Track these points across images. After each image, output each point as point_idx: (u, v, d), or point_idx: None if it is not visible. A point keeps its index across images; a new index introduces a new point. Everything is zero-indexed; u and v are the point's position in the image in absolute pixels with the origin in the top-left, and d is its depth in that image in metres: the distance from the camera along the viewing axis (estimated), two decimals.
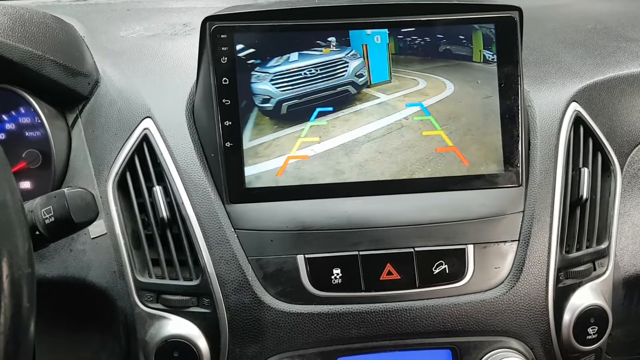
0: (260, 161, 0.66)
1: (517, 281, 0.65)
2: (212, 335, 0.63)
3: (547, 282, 0.65)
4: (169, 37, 0.85)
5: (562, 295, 0.67)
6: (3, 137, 0.75)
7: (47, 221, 0.55)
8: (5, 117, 0.75)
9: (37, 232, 0.55)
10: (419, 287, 0.64)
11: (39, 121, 0.73)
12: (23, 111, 0.75)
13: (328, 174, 0.66)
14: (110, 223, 0.68)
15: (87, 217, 0.56)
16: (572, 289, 0.67)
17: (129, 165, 0.69)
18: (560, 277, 0.66)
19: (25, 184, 0.74)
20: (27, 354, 0.43)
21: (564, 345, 0.66)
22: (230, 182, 0.65)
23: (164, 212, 0.65)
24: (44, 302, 0.73)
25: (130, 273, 0.65)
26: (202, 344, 0.63)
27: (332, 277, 0.64)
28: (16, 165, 0.73)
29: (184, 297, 0.64)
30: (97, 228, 0.70)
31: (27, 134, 0.75)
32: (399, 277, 0.64)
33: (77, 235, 0.70)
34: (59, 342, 0.74)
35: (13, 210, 0.44)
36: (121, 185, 0.69)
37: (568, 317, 0.66)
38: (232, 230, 0.65)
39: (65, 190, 0.56)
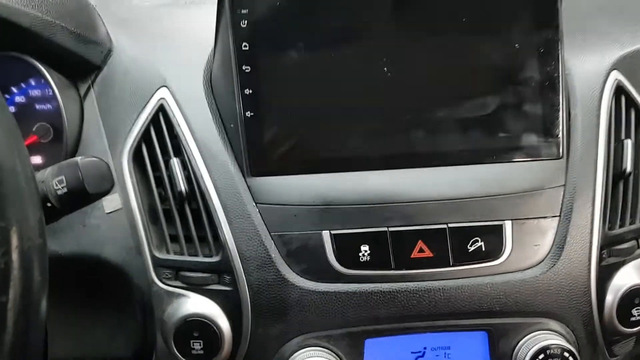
0: None
1: (558, 259, 0.61)
2: (233, 314, 0.60)
3: (589, 260, 0.61)
4: (183, 5, 0.80)
5: (605, 275, 0.62)
6: (13, 110, 0.71)
7: (59, 192, 0.52)
8: (15, 90, 0.71)
9: (49, 204, 0.52)
10: (452, 266, 0.60)
11: (50, 93, 0.70)
12: (33, 83, 0.71)
13: None
14: (125, 197, 0.64)
15: (102, 188, 0.53)
16: (615, 267, 0.63)
17: (145, 137, 0.65)
18: (603, 255, 0.62)
19: (36, 159, 0.71)
20: (39, 331, 0.40)
21: (607, 327, 0.62)
22: (251, 154, 0.62)
23: (182, 186, 0.62)
24: (56, 280, 0.70)
25: (147, 249, 0.62)
26: (224, 323, 0.60)
27: (360, 254, 0.60)
28: (27, 139, 0.70)
29: (204, 275, 0.61)
30: (111, 203, 0.67)
31: (37, 106, 0.72)
32: (431, 255, 0.60)
33: (91, 209, 0.67)
34: (73, 321, 0.72)
35: (23, 177, 0.41)
36: (137, 158, 0.65)
37: (611, 297, 0.62)
38: (254, 204, 0.61)
39: (79, 159, 0.53)
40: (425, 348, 0.62)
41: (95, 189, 0.52)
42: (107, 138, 0.68)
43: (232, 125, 0.63)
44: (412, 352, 0.62)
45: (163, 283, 0.62)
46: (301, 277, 0.60)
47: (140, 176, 0.65)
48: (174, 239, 0.63)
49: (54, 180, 0.52)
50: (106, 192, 0.53)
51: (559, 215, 0.62)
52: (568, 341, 0.59)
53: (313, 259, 0.60)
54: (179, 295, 0.61)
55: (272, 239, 0.61)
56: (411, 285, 0.60)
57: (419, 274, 0.60)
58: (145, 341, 0.66)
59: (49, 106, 0.71)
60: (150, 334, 0.64)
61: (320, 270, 0.60)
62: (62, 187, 0.52)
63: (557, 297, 0.61)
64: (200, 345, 0.60)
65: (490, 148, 0.63)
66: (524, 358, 0.59)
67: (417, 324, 0.61)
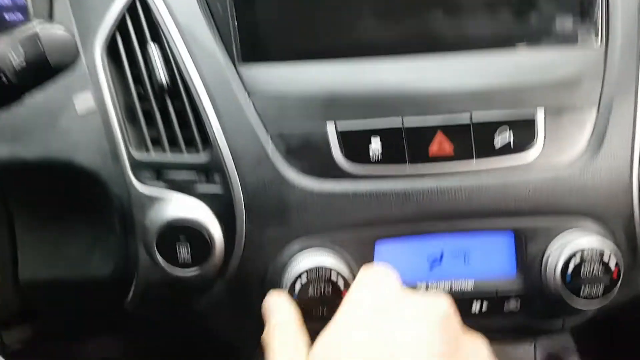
0: None
1: (596, 154, 0.54)
2: (225, 217, 0.53)
3: (631, 155, 0.54)
4: None
5: None
6: None
7: (16, 65, 0.43)
8: None
9: (4, 79, 0.44)
10: (476, 161, 0.53)
11: None
12: None
13: None
14: (99, 96, 0.57)
15: (66, 59, 0.45)
16: None
17: (120, 27, 0.57)
18: None
19: None
20: None
21: None
22: (243, 36, 0.54)
23: (162, 76, 0.54)
24: (23, 190, 0.63)
25: (124, 148, 0.54)
26: (214, 227, 0.53)
27: (370, 149, 0.53)
28: None
29: (190, 174, 0.53)
30: (84, 103, 0.59)
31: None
32: (452, 150, 0.53)
33: (61, 111, 0.59)
34: (44, 238, 0.64)
35: None
36: (111, 51, 0.57)
37: None
38: (246, 96, 0.54)
39: (38, 27, 0.44)
40: (442, 253, 0.55)
41: (58, 60, 0.44)
42: (77, 31, 0.59)
43: (218, 3, 0.54)
44: (428, 257, 0.55)
45: (142, 185, 0.54)
46: (303, 176, 0.53)
47: (115, 72, 0.57)
48: (156, 142, 0.55)
49: (9, 52, 0.44)
50: (69, 63, 0.45)
51: (598, 107, 0.55)
52: (607, 242, 0.52)
53: (316, 156, 0.53)
54: (162, 198, 0.53)
55: (269, 133, 0.53)
56: (428, 183, 0.53)
57: (438, 170, 0.53)
58: (127, 257, 0.58)
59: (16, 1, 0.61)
60: (131, 247, 0.57)
61: (324, 168, 0.53)
62: (20, 60, 0.43)
63: (596, 197, 0.54)
64: (187, 251, 0.53)
65: (520, 31, 0.56)
66: (557, 261, 0.52)
67: (434, 226, 0.54)
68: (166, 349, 0.92)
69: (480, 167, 0.53)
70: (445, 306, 0.39)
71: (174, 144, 0.55)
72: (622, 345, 1.10)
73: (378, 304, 0.39)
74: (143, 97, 0.56)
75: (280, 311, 0.47)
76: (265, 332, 0.46)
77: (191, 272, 0.54)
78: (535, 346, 0.74)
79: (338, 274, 0.51)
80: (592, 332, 0.97)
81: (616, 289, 0.53)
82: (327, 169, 0.53)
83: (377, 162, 0.53)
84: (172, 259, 0.53)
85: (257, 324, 0.59)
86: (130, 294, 0.59)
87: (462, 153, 0.53)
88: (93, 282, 0.63)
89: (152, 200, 0.54)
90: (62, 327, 0.83)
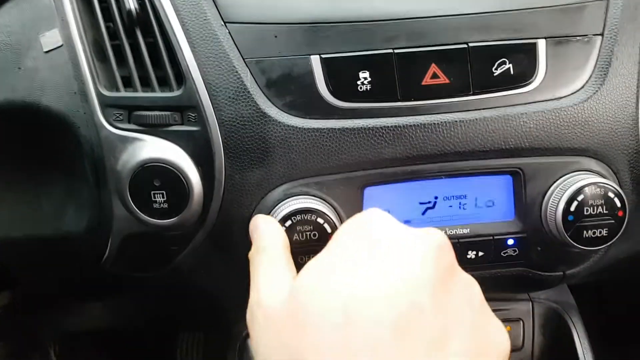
0: None
1: (601, 85, 0.50)
2: (202, 158, 0.49)
3: (637, 87, 0.51)
4: None
5: None
6: None
7: None
8: None
9: None
10: (474, 94, 0.50)
11: None
12: None
13: None
14: (66, 33, 0.53)
15: None
16: None
17: None
18: None
19: None
20: None
21: None
22: None
23: (131, 3, 0.49)
24: None
25: (92, 88, 0.50)
26: (191, 170, 0.49)
27: (358, 82, 0.49)
28: None
29: (164, 113, 0.49)
30: (50, 39, 0.55)
31: None
32: (447, 81, 0.49)
33: (26, 49, 0.54)
34: (12, 193, 0.60)
35: None
36: None
37: None
38: (222, 23, 0.50)
39: None
40: (436, 197, 0.52)
41: None
42: None
43: None
44: (420, 203, 0.52)
45: (113, 126, 0.50)
46: (285, 112, 0.49)
47: (83, 6, 0.53)
48: (127, 81, 0.51)
49: None
50: None
51: (602, 34, 0.51)
52: (610, 183, 0.49)
53: (299, 90, 0.49)
54: (134, 139, 0.49)
55: (247, 65, 0.49)
56: (422, 118, 0.49)
57: (432, 104, 0.49)
58: (101, 210, 0.54)
59: None
60: (105, 199, 0.53)
61: (308, 103, 0.49)
62: None
63: (599, 131, 0.50)
64: (163, 197, 0.49)
65: None
66: (558, 202, 0.49)
67: (427, 167, 0.50)
68: (151, 313, 0.89)
69: (478, 100, 0.49)
70: (439, 237, 0.35)
71: (145, 82, 0.51)
72: (621, 305, 1.08)
73: (369, 234, 0.36)
74: (112, 33, 0.52)
75: (269, 234, 0.43)
76: (251, 251, 0.42)
77: (169, 221, 0.50)
78: (533, 302, 0.72)
79: (325, 218, 0.48)
80: (593, 292, 0.95)
81: (620, 232, 0.50)
82: (312, 105, 0.49)
83: (366, 97, 0.49)
84: (147, 207, 0.49)
85: (243, 278, 0.56)
86: (107, 251, 0.55)
87: (458, 86, 0.49)
88: (68, 239, 0.59)
89: (123, 142, 0.50)
90: (42, 292, 0.79)
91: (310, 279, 0.34)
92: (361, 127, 0.49)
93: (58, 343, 1.08)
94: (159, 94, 0.50)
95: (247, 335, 0.67)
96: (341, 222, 0.50)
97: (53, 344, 1.08)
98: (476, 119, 0.49)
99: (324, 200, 0.49)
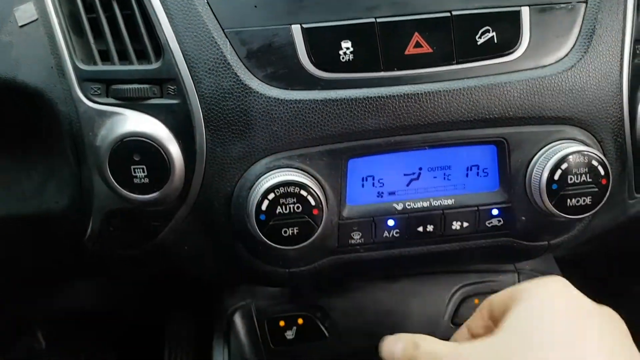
0: None
1: (585, 52, 0.50)
2: (183, 132, 0.48)
3: (622, 54, 0.51)
4: None
5: (638, 76, 0.51)
6: None
7: None
8: None
9: None
10: (457, 63, 0.49)
11: None
12: None
13: None
14: (41, 6, 0.51)
15: None
16: None
17: None
18: (637, 51, 0.51)
19: None
20: None
21: (639, 140, 0.52)
22: None
23: None
24: None
25: (69, 62, 0.49)
26: (171, 144, 0.48)
27: (340, 52, 0.48)
28: None
29: (142, 86, 0.48)
30: (25, 13, 0.54)
31: None
32: (430, 51, 0.49)
33: (1, 24, 0.52)
34: None
35: None
36: None
37: None
38: None
39: None
40: (420, 168, 0.51)
41: None
42: None
43: None
44: (404, 174, 0.51)
45: (92, 101, 0.49)
46: (266, 83, 0.48)
47: None
48: (104, 54, 0.50)
49: None
50: None
51: (586, 1, 0.51)
52: (594, 152, 0.49)
53: (280, 61, 0.48)
54: (113, 113, 0.48)
55: (227, 36, 0.48)
56: (405, 88, 0.48)
57: (416, 74, 0.49)
58: (81, 187, 0.54)
59: None
60: (85, 175, 0.52)
61: (290, 75, 0.48)
62: None
63: (584, 99, 0.50)
64: (143, 172, 0.48)
65: None
66: (542, 171, 0.48)
67: (411, 138, 0.50)
68: (138, 293, 0.89)
69: (461, 69, 0.49)
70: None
71: (123, 56, 0.50)
72: (606, 279, 1.10)
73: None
74: (89, 6, 0.51)
75: None
76: None
77: (150, 196, 0.49)
78: (518, 274, 0.72)
79: (308, 190, 0.47)
80: (578, 264, 0.96)
81: (603, 201, 0.50)
82: (294, 76, 0.48)
83: (349, 67, 0.48)
84: (128, 182, 0.48)
85: (227, 253, 0.56)
86: (89, 228, 0.55)
87: (441, 55, 0.49)
88: (49, 217, 0.58)
89: (101, 117, 0.49)
90: (26, 273, 0.78)
91: None
92: (344, 98, 0.48)
93: (46, 326, 1.08)
94: (137, 66, 0.49)
95: (234, 312, 0.67)
96: (325, 194, 0.49)
97: (41, 327, 1.07)
98: (460, 89, 0.49)
99: (307, 172, 0.49)
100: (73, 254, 0.63)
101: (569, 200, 0.49)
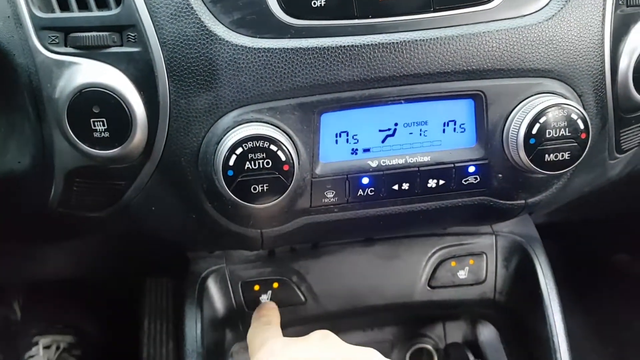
0: None
1: (566, 2, 0.48)
2: (144, 82, 0.46)
3: (604, 4, 0.49)
4: None
5: (621, 28, 0.50)
6: None
7: None
8: None
9: None
10: (434, 11, 0.47)
11: None
12: None
13: None
14: None
15: None
16: (632, 20, 0.51)
17: None
18: (620, 2, 0.50)
19: None
20: None
21: (620, 95, 0.51)
22: None
23: None
24: None
25: (26, 9, 0.46)
26: (132, 95, 0.46)
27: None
28: None
29: (101, 33, 0.45)
30: None
31: None
32: None
33: None
34: None
35: None
36: None
37: (626, 60, 0.50)
38: None
39: None
40: (396, 124, 0.49)
41: None
42: None
43: None
44: (380, 130, 0.49)
45: (49, 51, 0.46)
46: (233, 30, 0.46)
47: None
48: (63, 3, 0.47)
49: None
50: None
51: None
52: (574, 106, 0.47)
53: (248, 6, 0.46)
54: (71, 63, 0.46)
55: None
56: (380, 37, 0.46)
57: (391, 22, 0.47)
58: (43, 143, 0.51)
59: None
60: (46, 130, 0.49)
61: (258, 21, 0.46)
62: None
63: (563, 50, 0.48)
64: (103, 125, 0.46)
65: None
66: (520, 125, 0.47)
67: (386, 91, 0.48)
68: (113, 258, 0.87)
69: (438, 18, 0.47)
70: None
71: (83, 4, 0.47)
72: (585, 247, 1.10)
73: None
74: None
75: None
76: None
77: (111, 152, 0.47)
78: (496, 236, 0.71)
79: (278, 145, 0.45)
80: (562, 233, 0.96)
81: (582, 156, 0.49)
82: (263, 23, 0.46)
83: (321, 13, 0.46)
84: (88, 137, 0.46)
85: (196, 213, 0.54)
86: (52, 189, 0.52)
87: (418, 2, 0.46)
88: (12, 177, 0.56)
89: (59, 67, 0.46)
90: None
91: None
92: (315, 47, 0.46)
93: (22, 295, 1.06)
94: (96, 13, 0.46)
95: (207, 276, 0.66)
96: (296, 149, 0.47)
97: (17, 296, 1.05)
98: (437, 38, 0.46)
99: (277, 127, 0.47)
100: (39, 217, 0.61)
101: (546, 155, 0.48)
